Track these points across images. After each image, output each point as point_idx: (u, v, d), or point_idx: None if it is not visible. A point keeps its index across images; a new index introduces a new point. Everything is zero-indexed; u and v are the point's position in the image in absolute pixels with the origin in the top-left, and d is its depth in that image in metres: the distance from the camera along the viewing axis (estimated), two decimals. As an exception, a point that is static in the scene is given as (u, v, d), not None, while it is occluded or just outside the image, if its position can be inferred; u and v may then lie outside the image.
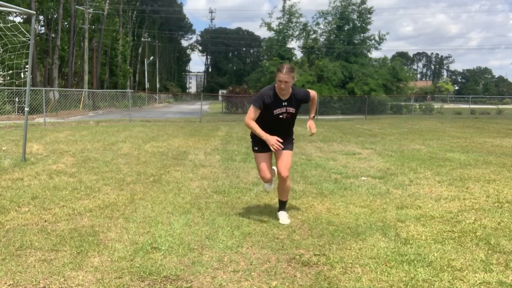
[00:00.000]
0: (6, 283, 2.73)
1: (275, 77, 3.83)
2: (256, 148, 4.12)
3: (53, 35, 35.51)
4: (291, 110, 3.93)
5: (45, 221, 3.99)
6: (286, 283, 2.80)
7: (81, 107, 27.16)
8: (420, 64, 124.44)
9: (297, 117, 4.08)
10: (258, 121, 3.92)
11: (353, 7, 34.32)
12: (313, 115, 4.29)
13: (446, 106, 38.20)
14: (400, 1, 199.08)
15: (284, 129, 4.02)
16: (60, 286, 2.71)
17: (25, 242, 3.42)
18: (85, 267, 2.99)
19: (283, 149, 3.91)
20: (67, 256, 3.16)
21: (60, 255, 3.18)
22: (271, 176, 4.16)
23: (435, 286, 2.75)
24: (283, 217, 4.11)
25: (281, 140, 3.80)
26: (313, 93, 4.13)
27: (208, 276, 2.88)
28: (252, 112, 3.89)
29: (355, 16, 34.66)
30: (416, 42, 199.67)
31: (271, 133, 3.87)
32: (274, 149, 3.79)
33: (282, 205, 4.22)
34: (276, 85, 3.86)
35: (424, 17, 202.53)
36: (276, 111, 3.88)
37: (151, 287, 2.73)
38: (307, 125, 4.24)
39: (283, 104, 3.88)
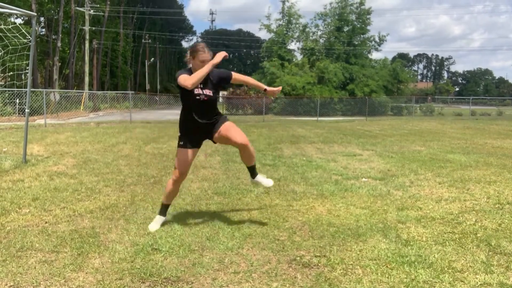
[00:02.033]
0: (6, 285, 2.73)
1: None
2: (182, 143, 3.81)
3: (53, 36, 35.62)
4: (208, 92, 3.73)
5: (46, 222, 3.99)
6: (287, 284, 2.80)
7: (81, 108, 27.18)
8: (421, 66, 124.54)
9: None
10: (185, 105, 3.79)
11: (351, 7, 34.40)
12: (264, 88, 4.00)
13: (446, 108, 38.21)
14: (403, 2, 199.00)
15: (209, 111, 3.80)
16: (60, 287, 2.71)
17: (25, 243, 3.42)
18: (86, 268, 2.99)
19: (221, 122, 3.81)
20: (67, 258, 3.16)
21: (60, 256, 3.18)
22: (184, 177, 3.86)
23: (436, 288, 2.74)
24: (264, 180, 4.01)
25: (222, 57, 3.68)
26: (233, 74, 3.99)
27: (209, 278, 2.88)
28: (185, 76, 3.57)
29: (354, 17, 34.73)
30: (418, 43, 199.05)
31: (198, 115, 3.73)
32: (223, 57, 3.69)
33: (253, 169, 4.01)
34: (192, 67, 3.69)
35: (427, 18, 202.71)
36: (196, 92, 3.70)
37: (151, 288, 2.73)
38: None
39: (199, 85, 3.70)
